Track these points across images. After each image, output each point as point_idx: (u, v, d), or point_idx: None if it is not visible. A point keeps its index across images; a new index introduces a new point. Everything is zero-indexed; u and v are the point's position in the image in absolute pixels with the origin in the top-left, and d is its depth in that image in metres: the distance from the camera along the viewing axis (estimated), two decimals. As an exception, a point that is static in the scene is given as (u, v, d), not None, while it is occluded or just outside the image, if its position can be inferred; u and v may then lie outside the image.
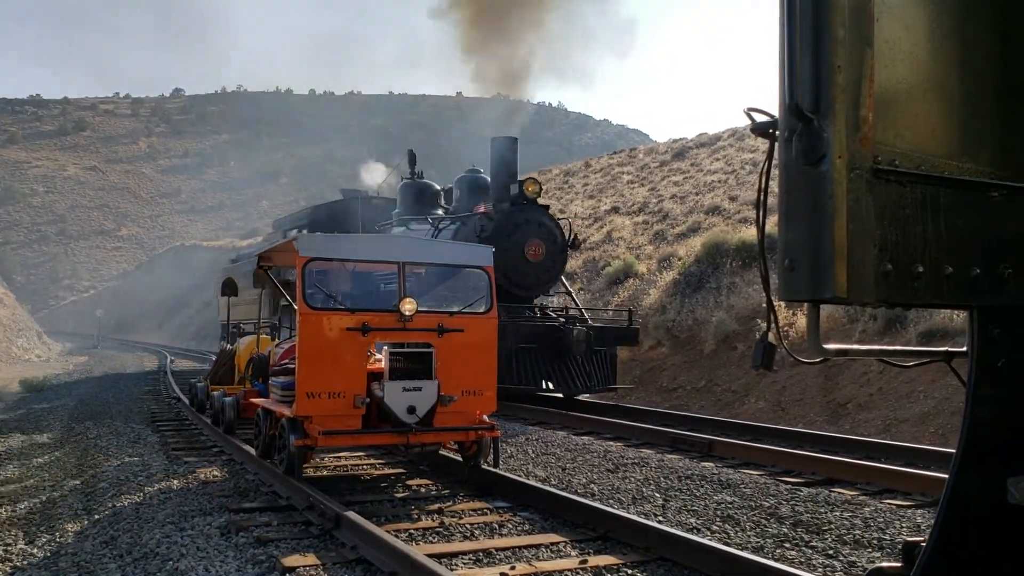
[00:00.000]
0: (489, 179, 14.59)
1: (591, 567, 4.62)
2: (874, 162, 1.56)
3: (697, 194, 25.35)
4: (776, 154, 1.67)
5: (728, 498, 6.41)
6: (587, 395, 13.42)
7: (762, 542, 5.19)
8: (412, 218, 15.92)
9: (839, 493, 6.63)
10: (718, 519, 5.78)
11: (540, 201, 13.78)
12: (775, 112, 1.71)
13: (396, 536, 4.95)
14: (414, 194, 16.91)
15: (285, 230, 19.89)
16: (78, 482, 7.21)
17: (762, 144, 1.86)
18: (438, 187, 17.16)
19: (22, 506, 6.33)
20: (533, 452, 8.59)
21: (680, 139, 35.94)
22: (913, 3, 1.68)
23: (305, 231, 17.86)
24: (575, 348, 12.37)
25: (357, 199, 19.04)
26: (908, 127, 1.65)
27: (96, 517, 5.89)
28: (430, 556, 4.52)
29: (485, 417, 6.95)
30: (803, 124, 1.53)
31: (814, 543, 5.17)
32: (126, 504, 6.23)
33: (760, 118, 1.81)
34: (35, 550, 5.14)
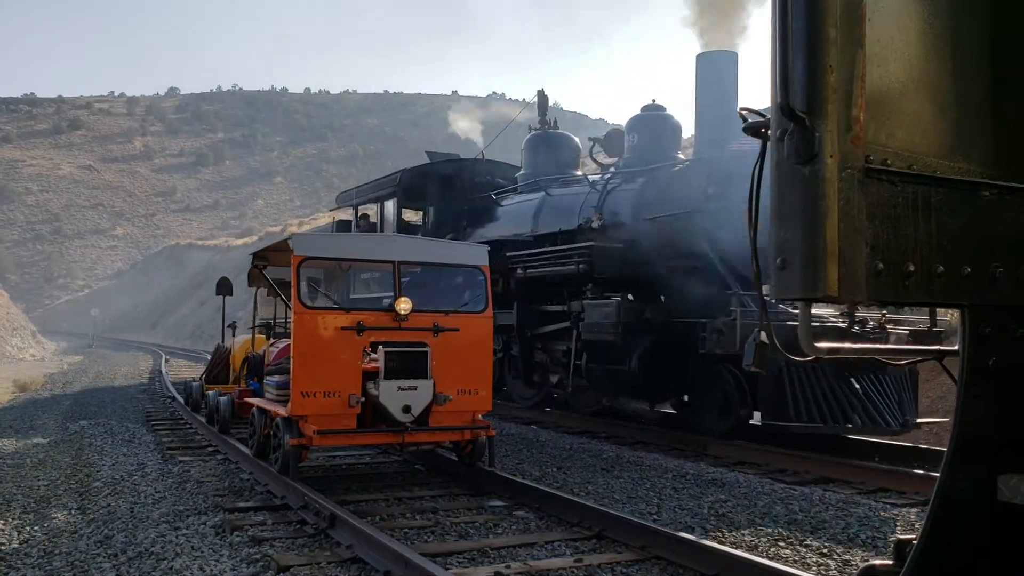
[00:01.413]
0: (684, 118, 11.18)
1: (586, 566, 4.63)
2: (866, 161, 1.57)
3: (692, 194, 25.33)
4: (769, 154, 1.68)
5: (723, 497, 6.43)
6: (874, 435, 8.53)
7: (756, 541, 5.21)
8: (552, 179, 12.36)
9: (833, 492, 6.66)
10: (713, 518, 5.79)
11: None
12: (767, 112, 1.72)
13: (391, 535, 4.95)
14: (547, 149, 13.30)
15: (356, 204, 15.64)
16: (72, 481, 7.19)
17: (756, 144, 1.87)
18: (577, 140, 13.76)
19: (16, 505, 6.32)
20: (528, 451, 8.60)
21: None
22: (905, 3, 1.69)
23: (391, 203, 14.25)
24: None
25: (457, 161, 15.03)
26: (900, 127, 1.66)
27: (90, 516, 5.88)
28: (425, 555, 4.52)
29: (480, 416, 6.96)
30: (795, 124, 1.54)
31: (808, 542, 5.18)
32: (121, 503, 6.22)
33: (753, 118, 1.81)
34: (29, 549, 5.13)
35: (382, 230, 14.47)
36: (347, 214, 16.43)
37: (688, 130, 11.67)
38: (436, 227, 14.03)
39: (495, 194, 13.47)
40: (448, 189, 14.01)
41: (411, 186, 14.09)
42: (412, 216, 14.71)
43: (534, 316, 11.43)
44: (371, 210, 15.22)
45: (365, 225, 15.15)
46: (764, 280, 1.89)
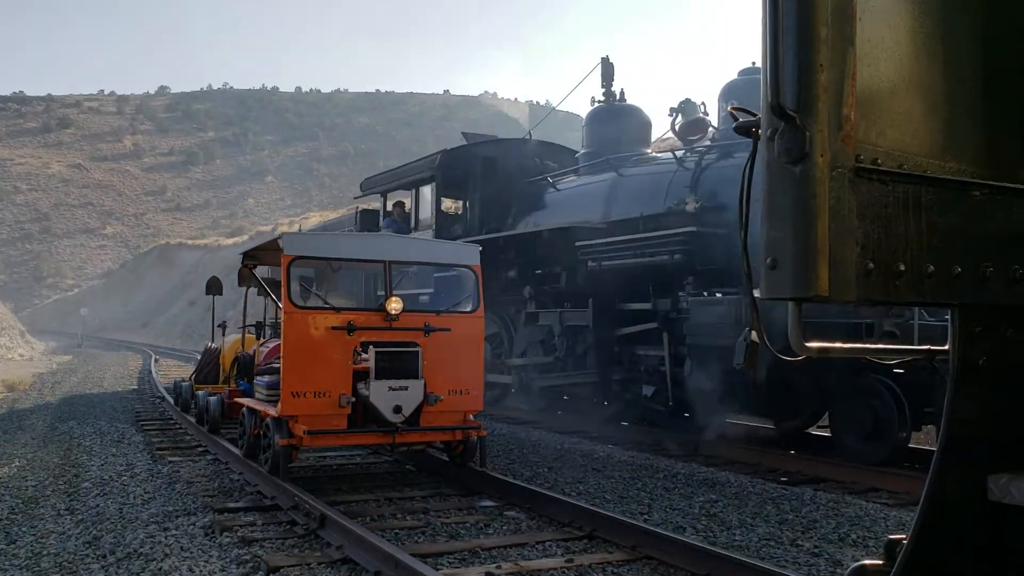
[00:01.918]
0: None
1: (577, 566, 4.62)
2: (856, 161, 1.56)
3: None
4: (759, 153, 1.68)
5: (714, 497, 6.43)
6: None
7: (747, 541, 5.21)
8: (624, 157, 10.91)
9: (824, 492, 6.67)
10: (704, 518, 5.80)
11: None
12: (759, 111, 1.71)
13: (382, 536, 4.94)
14: (615, 124, 11.85)
15: (386, 191, 14.28)
16: (61, 482, 7.15)
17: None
18: (647, 113, 12.29)
19: (4, 506, 6.27)
20: (520, 451, 8.59)
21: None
22: (896, 2, 1.69)
23: (428, 188, 12.95)
24: None
25: (501, 142, 13.74)
26: (890, 126, 1.65)
27: (79, 517, 5.84)
28: (415, 556, 4.51)
29: (471, 416, 6.95)
30: (785, 123, 1.53)
31: (799, 541, 5.19)
32: (109, 504, 6.18)
33: (744, 117, 1.81)
34: (17, 550, 5.09)
35: (419, 218, 13.33)
36: (366, 203, 15.22)
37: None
38: (480, 214, 12.84)
39: (551, 177, 12.02)
40: (492, 172, 12.60)
41: (451, 169, 12.66)
42: (448, 203, 13.48)
43: (613, 315, 9.90)
44: (404, 197, 13.90)
45: (399, 213, 13.76)
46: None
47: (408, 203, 13.76)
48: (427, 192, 13.04)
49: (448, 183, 12.83)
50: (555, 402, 11.43)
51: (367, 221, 14.90)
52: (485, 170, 12.67)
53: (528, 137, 13.58)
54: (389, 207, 14.17)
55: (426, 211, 13.11)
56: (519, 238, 11.55)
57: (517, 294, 11.58)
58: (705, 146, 9.95)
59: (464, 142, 13.87)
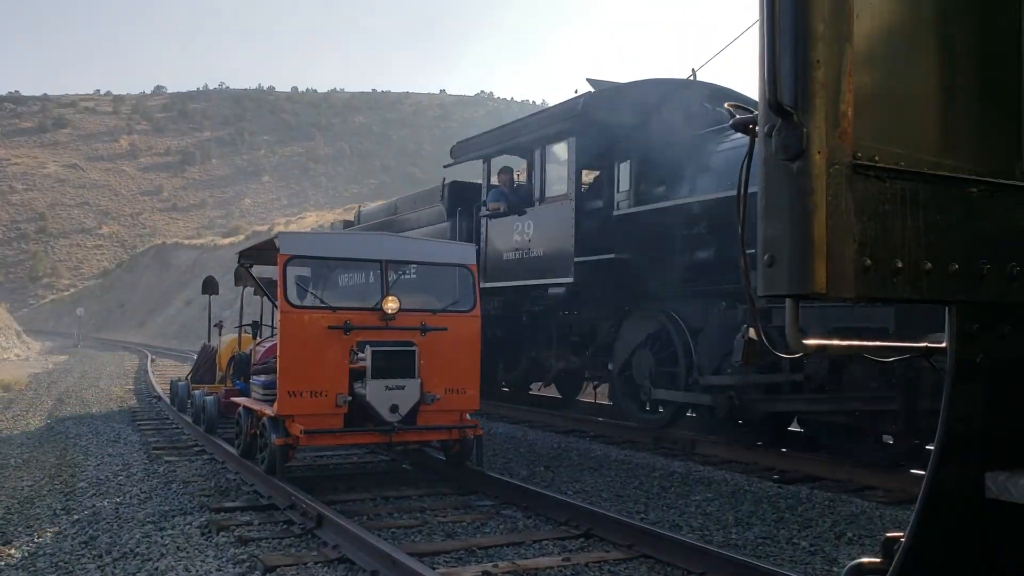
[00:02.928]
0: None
1: (573, 565, 4.62)
2: (854, 158, 1.56)
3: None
4: (757, 150, 1.67)
5: (710, 496, 6.44)
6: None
7: (744, 540, 5.21)
8: None
9: (821, 491, 6.67)
10: (700, 517, 5.80)
11: None
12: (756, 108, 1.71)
13: (378, 535, 4.93)
14: None
15: (491, 155, 11.04)
16: (57, 482, 7.13)
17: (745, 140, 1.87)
18: None
19: (-1, 506, 6.26)
20: (516, 451, 8.59)
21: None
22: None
23: (563, 146, 9.75)
24: None
25: (661, 83, 9.96)
26: (888, 123, 1.65)
27: (75, 517, 5.83)
28: (412, 555, 4.50)
29: (468, 415, 6.95)
30: (783, 119, 1.53)
31: (796, 540, 5.19)
32: (105, 503, 6.17)
33: (741, 114, 1.81)
34: (12, 550, 5.08)
35: (545, 187, 10.05)
36: (448, 177, 12.11)
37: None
38: (637, 178, 9.33)
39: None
40: (651, 123, 9.34)
41: (597, 119, 9.35)
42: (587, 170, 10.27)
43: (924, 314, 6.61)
44: (508, 162, 11.09)
45: (506, 181, 10.78)
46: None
47: (520, 170, 11.01)
48: (560, 152, 9.90)
49: (592, 138, 9.51)
50: (784, 437, 8.53)
51: (459, 196, 11.71)
52: (643, 120, 9.36)
53: (693, 77, 10.04)
54: (494, 178, 11.06)
55: (558, 177, 9.95)
56: (723, 204, 8.13)
57: (709, 284, 8.65)
58: None
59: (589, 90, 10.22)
